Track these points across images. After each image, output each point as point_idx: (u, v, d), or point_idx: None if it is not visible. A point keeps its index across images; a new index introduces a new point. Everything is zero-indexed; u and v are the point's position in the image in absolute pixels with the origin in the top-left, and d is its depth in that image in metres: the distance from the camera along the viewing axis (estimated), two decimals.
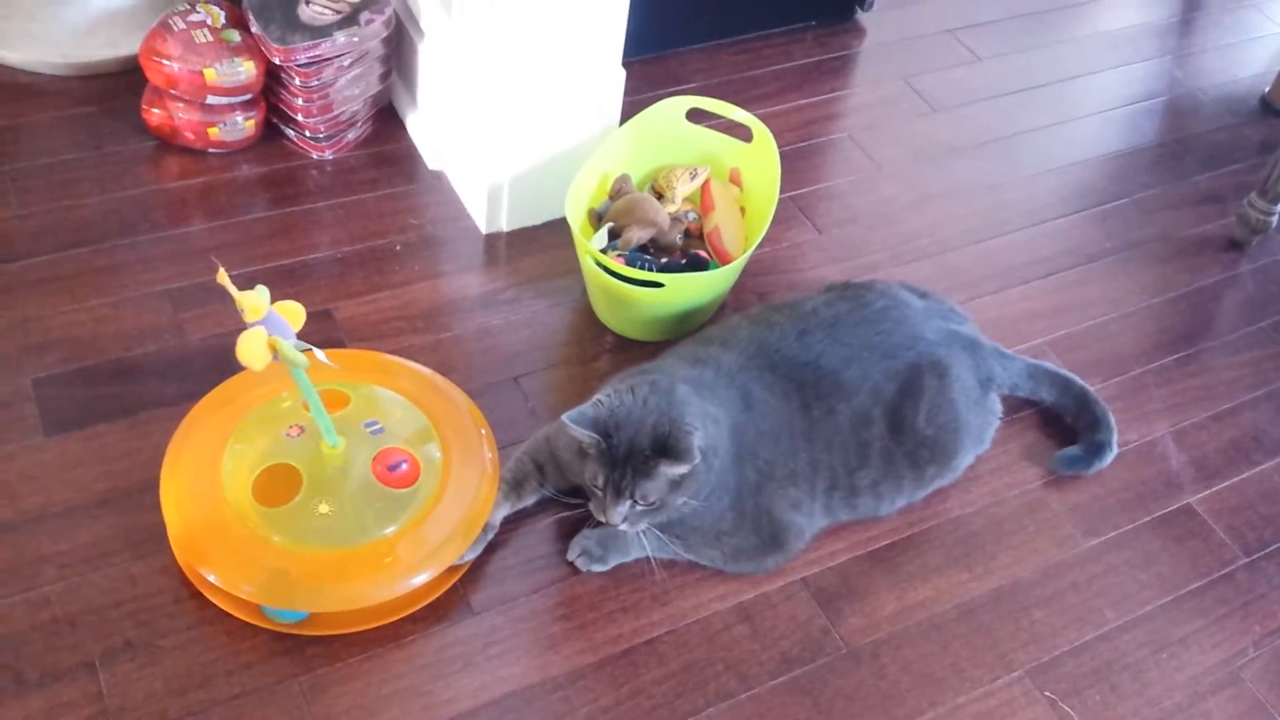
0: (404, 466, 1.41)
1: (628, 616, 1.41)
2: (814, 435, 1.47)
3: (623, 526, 1.36)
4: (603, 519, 1.36)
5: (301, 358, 1.26)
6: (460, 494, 1.41)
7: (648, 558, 1.44)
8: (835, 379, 1.49)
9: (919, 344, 1.53)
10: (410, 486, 1.40)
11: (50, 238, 1.74)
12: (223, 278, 1.20)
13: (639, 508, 1.34)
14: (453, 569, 1.39)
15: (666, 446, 1.31)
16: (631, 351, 1.72)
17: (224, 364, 1.45)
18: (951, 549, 1.53)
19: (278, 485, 1.37)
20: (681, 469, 1.32)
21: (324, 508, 1.35)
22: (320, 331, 1.65)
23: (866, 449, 1.49)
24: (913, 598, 1.47)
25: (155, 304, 1.67)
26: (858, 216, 2.02)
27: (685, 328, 1.72)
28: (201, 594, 1.34)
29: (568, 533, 1.48)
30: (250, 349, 1.21)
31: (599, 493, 1.35)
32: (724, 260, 1.74)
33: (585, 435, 1.33)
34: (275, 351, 1.23)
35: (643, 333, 1.72)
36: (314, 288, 1.73)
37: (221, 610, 1.32)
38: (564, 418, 1.32)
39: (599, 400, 1.35)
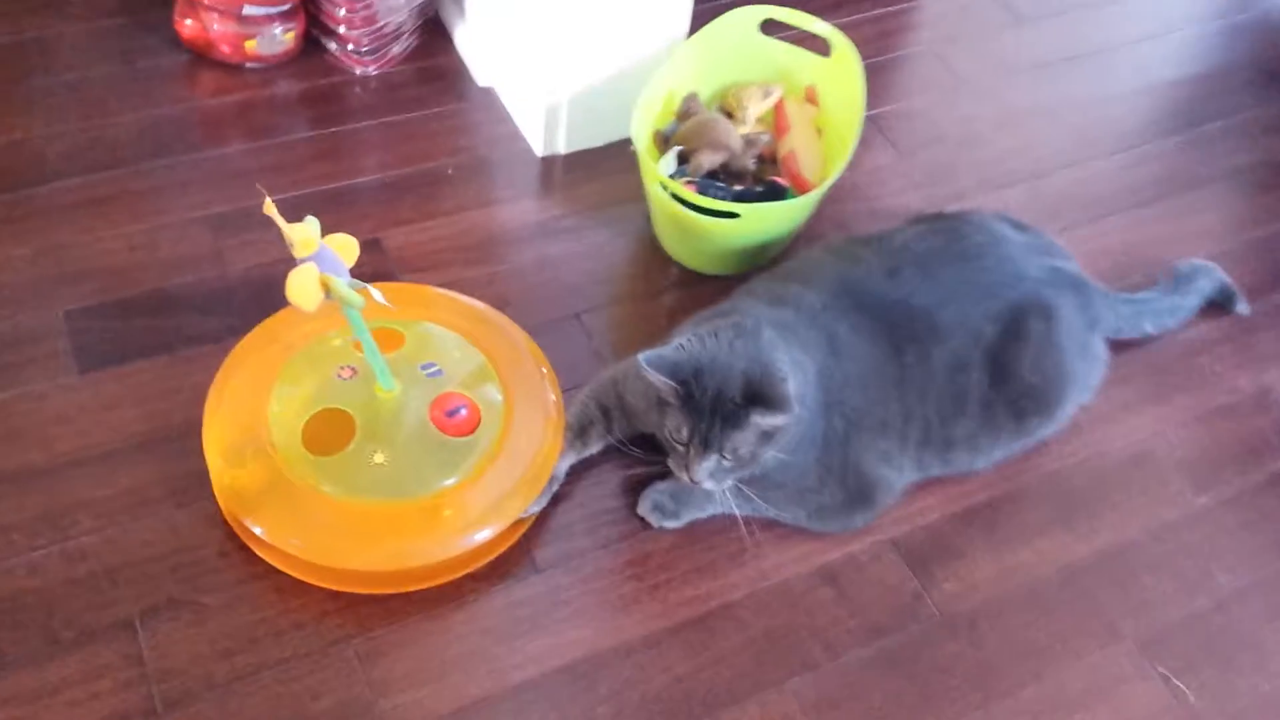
0: (463, 412, 1.30)
1: (703, 577, 1.31)
2: (906, 382, 1.35)
3: (708, 484, 1.25)
4: (684, 476, 1.25)
5: (357, 297, 1.15)
6: (524, 441, 1.31)
7: (724, 514, 1.34)
8: (930, 320, 1.37)
9: (1022, 283, 1.40)
10: (470, 434, 1.29)
11: (81, 158, 1.63)
12: (270, 209, 1.09)
13: (726, 463, 1.23)
14: (517, 523, 1.29)
15: (760, 394, 1.19)
16: (700, 286, 1.59)
17: (268, 297, 1.34)
18: (1052, 506, 1.42)
19: (329, 432, 1.27)
20: (777, 419, 1.20)
21: (379, 457, 1.25)
22: (370, 263, 1.53)
23: (963, 397, 1.37)
24: (1011, 560, 1.36)
25: (194, 231, 1.56)
26: (941, 137, 1.87)
27: (758, 260, 1.60)
28: (248, 547, 1.24)
29: (635, 485, 1.37)
30: (301, 288, 1.10)
31: (680, 447, 1.24)
32: (801, 187, 1.60)
33: (665, 382, 1.21)
34: (328, 290, 1.12)
35: (713, 265, 1.60)
36: (361, 214, 1.62)
37: (270, 565, 1.23)
38: (641, 360, 1.20)
39: (680, 345, 1.23)
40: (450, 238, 1.60)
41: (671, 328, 1.40)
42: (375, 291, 1.19)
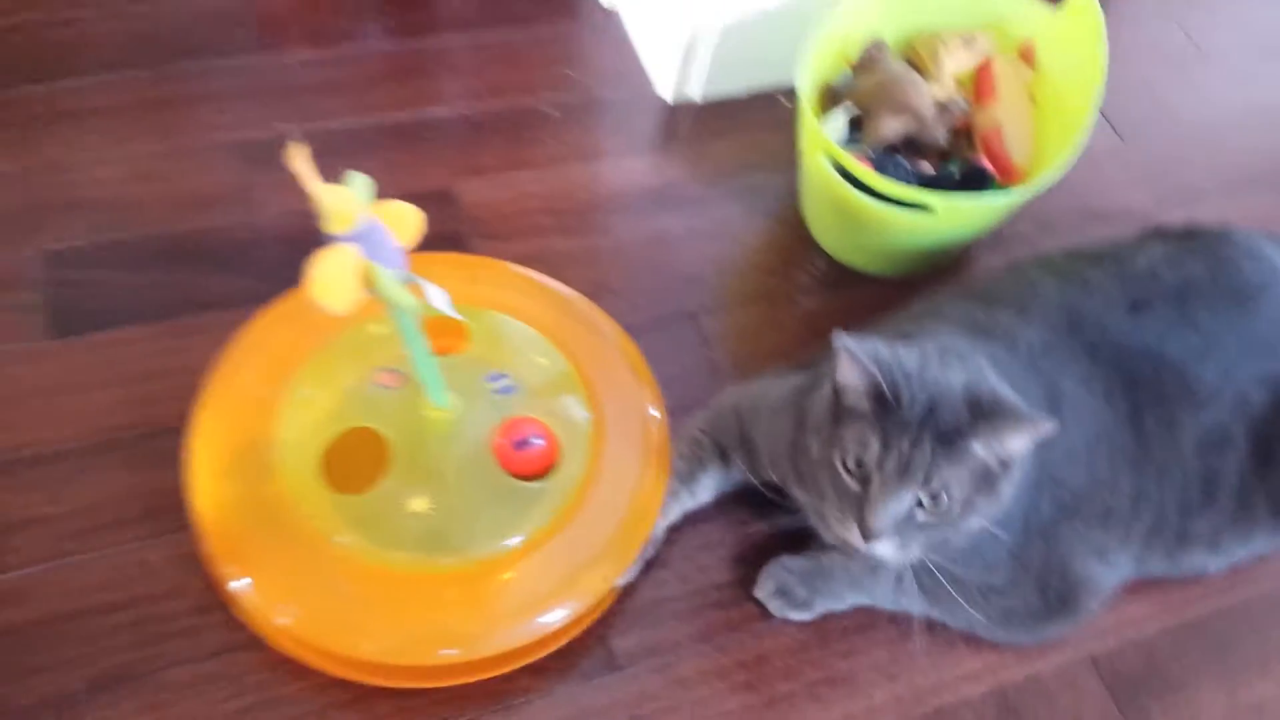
0: (538, 443, 0.97)
1: (838, 693, 0.97)
2: (1144, 457, 0.99)
3: (884, 547, 0.88)
4: (847, 534, 0.88)
5: (411, 299, 0.81)
6: (616, 487, 0.97)
7: (870, 607, 1.00)
8: (1182, 378, 1.00)
9: None
10: (544, 474, 0.96)
11: (96, 52, 1.30)
12: (298, 158, 0.74)
13: (921, 515, 0.87)
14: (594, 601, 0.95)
15: (990, 410, 0.84)
16: (855, 288, 1.24)
17: (302, 254, 1.01)
18: None
19: (356, 460, 0.94)
20: (1013, 443, 0.85)
21: (419, 502, 0.92)
22: (436, 221, 1.18)
23: (1215, 482, 1.01)
24: (1247, 696, 1.01)
25: (223, 159, 1.23)
26: (1176, 122, 1.47)
27: (932, 264, 1.23)
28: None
29: (754, 554, 1.03)
30: (332, 279, 0.76)
31: (854, 485, 0.87)
32: (1006, 174, 1.23)
33: (863, 371, 0.85)
34: (370, 284, 0.78)
35: (876, 264, 1.24)
36: (433, 156, 1.27)
37: (258, 634, 0.91)
38: (838, 340, 0.85)
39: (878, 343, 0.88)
40: (542, 197, 1.26)
41: (814, 339, 1.06)
42: (438, 293, 0.85)
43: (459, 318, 0.86)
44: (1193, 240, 1.11)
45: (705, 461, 1.04)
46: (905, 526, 0.87)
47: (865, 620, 1.01)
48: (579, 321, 1.08)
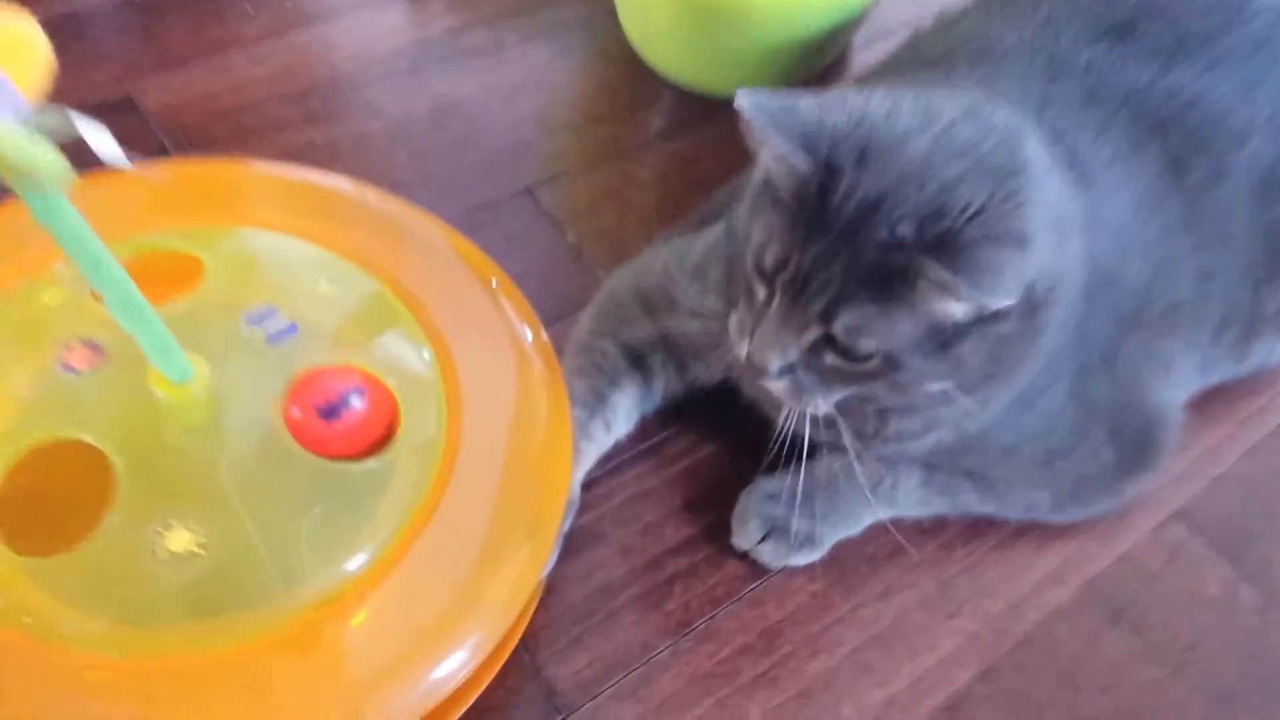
0: (356, 405, 0.59)
1: (892, 653, 0.66)
2: (1198, 222, 0.71)
3: (774, 383, 0.59)
4: (740, 346, 0.60)
5: (53, 157, 0.43)
6: (493, 444, 0.61)
7: (894, 520, 0.69)
8: (1209, 108, 0.72)
9: None
10: (377, 449, 0.59)
11: None
12: None
13: (833, 360, 0.57)
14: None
15: (960, 241, 0.53)
16: (720, 120, 0.91)
17: None
18: None
19: (58, 495, 0.55)
20: (964, 305, 0.54)
21: (177, 539, 0.54)
22: (122, 141, 0.79)
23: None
24: None
25: None
26: None
27: (804, 68, 0.94)
28: None
29: (710, 491, 0.70)
30: None
31: (761, 293, 0.59)
32: None
33: (782, 147, 0.55)
34: None
35: (735, 80, 0.91)
36: (92, 57, 0.87)
37: None
38: (740, 100, 0.55)
39: (844, 95, 0.57)
40: (266, 82, 0.88)
41: (690, 192, 0.74)
42: (100, 139, 0.47)
43: (128, 165, 0.48)
44: None
45: (614, 376, 0.70)
46: (804, 359, 0.58)
47: (891, 542, 0.70)
48: (381, 223, 0.71)
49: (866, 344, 0.56)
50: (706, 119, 0.92)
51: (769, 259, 0.57)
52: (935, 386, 0.59)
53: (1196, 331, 0.73)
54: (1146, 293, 0.69)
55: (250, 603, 0.53)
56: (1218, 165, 0.71)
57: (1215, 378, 0.79)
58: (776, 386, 0.60)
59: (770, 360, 0.58)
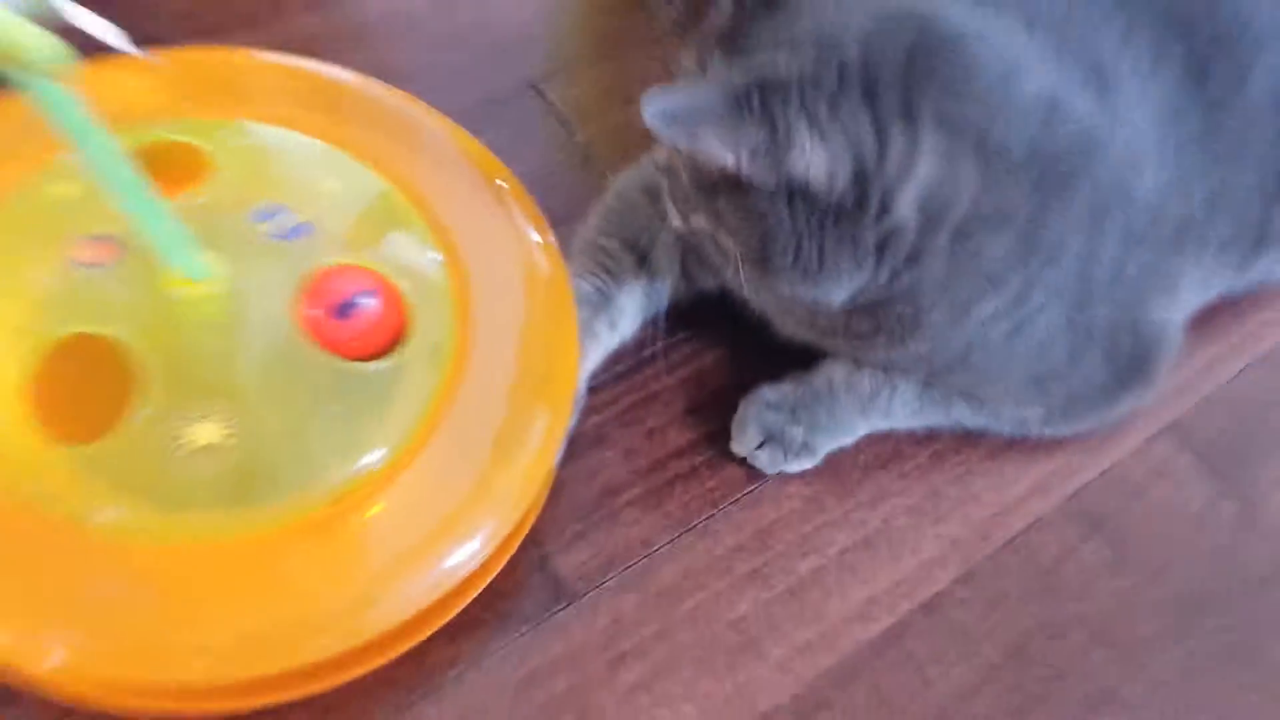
0: (368, 302, 0.61)
1: (878, 556, 0.69)
2: (1215, 133, 0.71)
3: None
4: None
5: (52, 44, 0.43)
6: (504, 343, 0.62)
7: (891, 431, 0.71)
8: (1242, 12, 0.71)
9: None
10: (390, 349, 0.60)
11: None
12: None
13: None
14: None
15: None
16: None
17: None
18: None
19: (81, 387, 0.56)
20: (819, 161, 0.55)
21: (204, 430, 0.55)
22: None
23: None
24: None
25: None
26: None
27: None
28: None
29: (714, 395, 0.72)
30: None
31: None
32: None
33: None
34: None
35: None
36: None
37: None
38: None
39: None
40: None
41: None
42: (76, 9, 0.47)
43: (135, 51, 0.48)
44: None
45: (620, 275, 0.71)
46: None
47: (885, 451, 0.72)
48: (389, 120, 0.71)
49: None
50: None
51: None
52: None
53: (1203, 249, 0.74)
54: (1159, 210, 0.69)
55: (273, 494, 0.55)
56: (1239, 71, 0.71)
57: (1215, 291, 0.80)
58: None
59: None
